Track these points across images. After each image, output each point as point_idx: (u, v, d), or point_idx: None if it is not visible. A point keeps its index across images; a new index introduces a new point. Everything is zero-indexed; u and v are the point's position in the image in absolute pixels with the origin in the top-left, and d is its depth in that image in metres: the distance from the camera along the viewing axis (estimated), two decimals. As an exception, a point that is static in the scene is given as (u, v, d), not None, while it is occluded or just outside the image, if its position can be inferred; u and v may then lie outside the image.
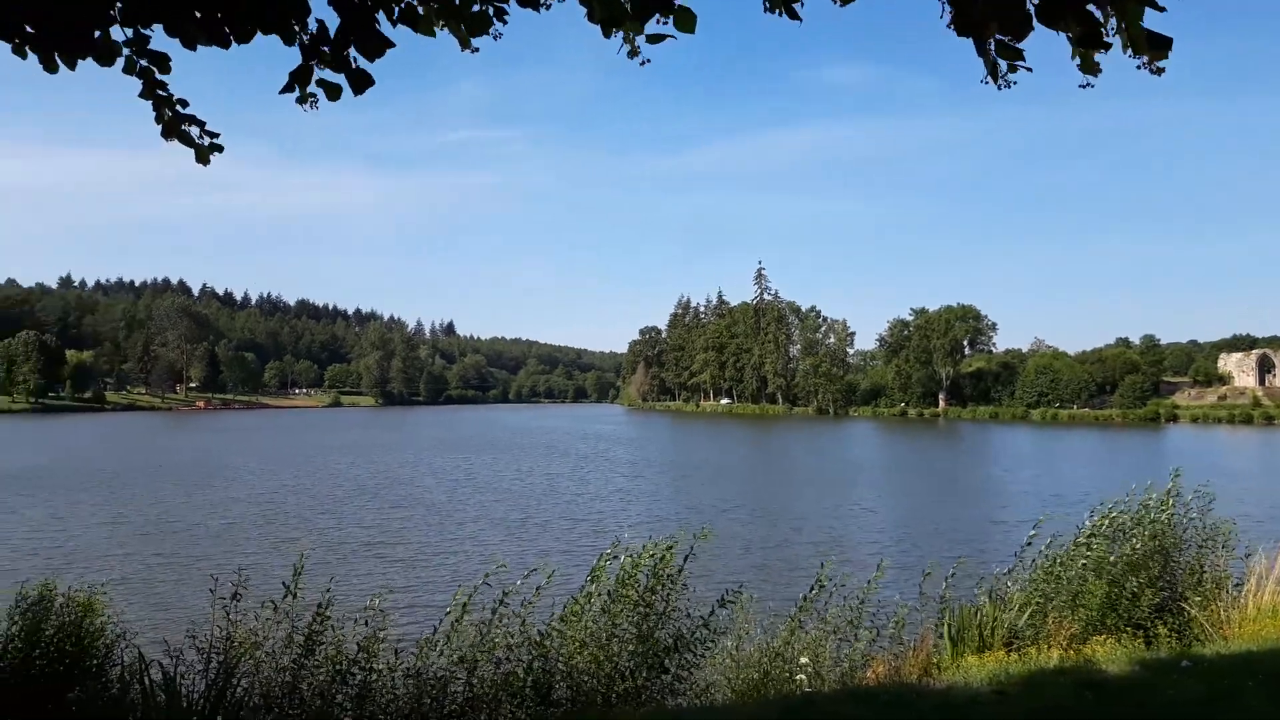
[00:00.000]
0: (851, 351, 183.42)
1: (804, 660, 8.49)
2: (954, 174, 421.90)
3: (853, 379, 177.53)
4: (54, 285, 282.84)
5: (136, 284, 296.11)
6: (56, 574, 10.19)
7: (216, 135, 4.10)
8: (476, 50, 3.90)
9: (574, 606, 8.45)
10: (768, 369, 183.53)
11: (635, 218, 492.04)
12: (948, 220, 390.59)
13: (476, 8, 3.68)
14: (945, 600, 10.33)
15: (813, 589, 9.35)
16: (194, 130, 4.02)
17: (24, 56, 3.54)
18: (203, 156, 4.10)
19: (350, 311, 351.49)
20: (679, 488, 43.71)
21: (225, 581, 7.99)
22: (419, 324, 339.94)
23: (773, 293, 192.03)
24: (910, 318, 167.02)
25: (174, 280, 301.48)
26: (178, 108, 3.96)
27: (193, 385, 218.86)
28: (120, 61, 3.70)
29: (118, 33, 3.59)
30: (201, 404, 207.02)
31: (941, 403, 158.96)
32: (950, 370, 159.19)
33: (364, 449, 72.17)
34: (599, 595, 8.55)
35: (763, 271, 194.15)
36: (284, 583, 8.28)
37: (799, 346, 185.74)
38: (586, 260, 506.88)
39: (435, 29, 3.74)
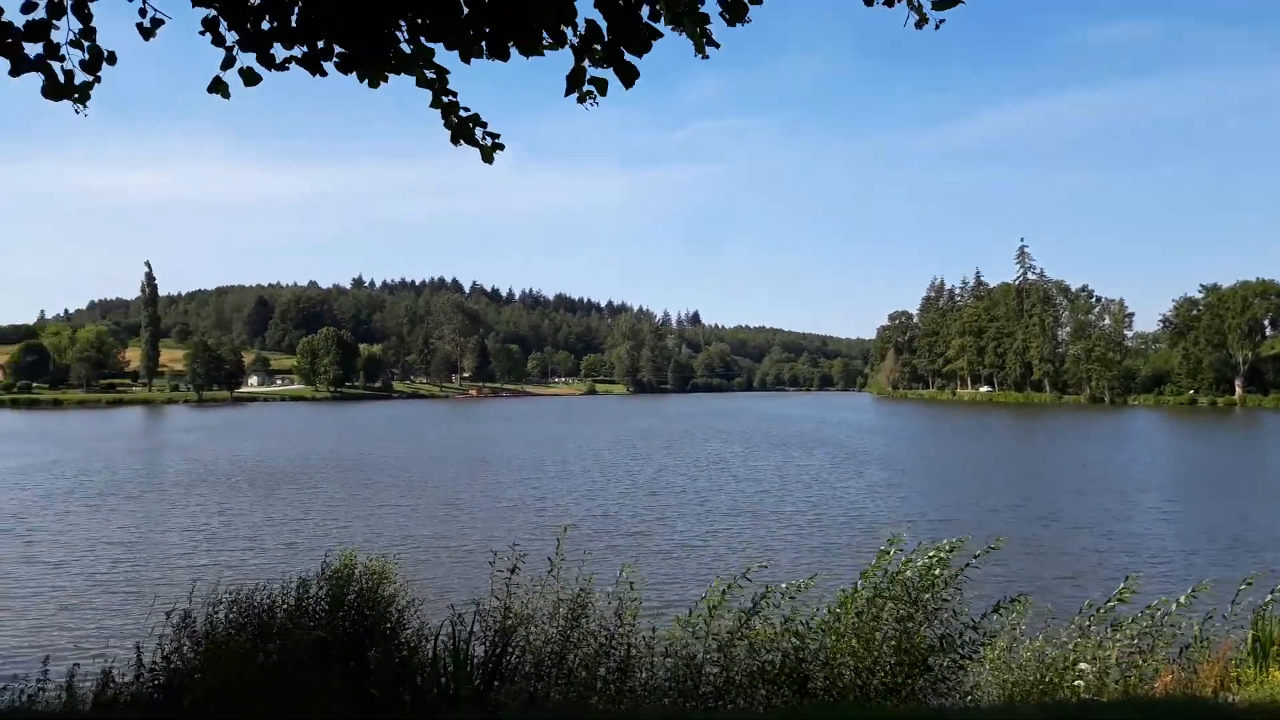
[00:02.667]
0: (1129, 334, 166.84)
1: (1083, 666, 7.85)
2: (1250, 133, 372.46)
3: (1131, 364, 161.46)
4: (348, 286, 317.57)
5: (417, 283, 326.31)
6: (356, 546, 11.37)
7: (497, 135, 4.40)
8: (714, 49, 3.96)
9: (842, 600, 8.33)
10: (1032, 354, 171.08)
11: (883, 199, 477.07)
12: (1242, 187, 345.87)
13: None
14: (1261, 610, 9.17)
15: (1109, 601, 8.65)
16: (478, 131, 4.34)
17: (323, 74, 3.95)
18: (487, 155, 4.41)
19: (603, 304, 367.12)
20: (941, 483, 41.70)
21: (502, 557, 8.58)
22: (666, 314, 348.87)
23: (1037, 272, 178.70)
24: (1200, 295, 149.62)
25: (448, 279, 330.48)
26: (463, 112, 4.28)
27: (466, 375, 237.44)
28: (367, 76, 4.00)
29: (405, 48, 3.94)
30: (474, 392, 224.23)
31: (1238, 389, 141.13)
32: (1248, 353, 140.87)
33: (620, 437, 74.94)
34: (865, 590, 8.37)
35: (1025, 250, 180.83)
36: (549, 558, 8.76)
37: (1068, 329, 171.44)
38: (832, 245, 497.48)
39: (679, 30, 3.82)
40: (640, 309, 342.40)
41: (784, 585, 8.59)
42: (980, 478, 43.21)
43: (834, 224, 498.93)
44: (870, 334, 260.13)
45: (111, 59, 4.04)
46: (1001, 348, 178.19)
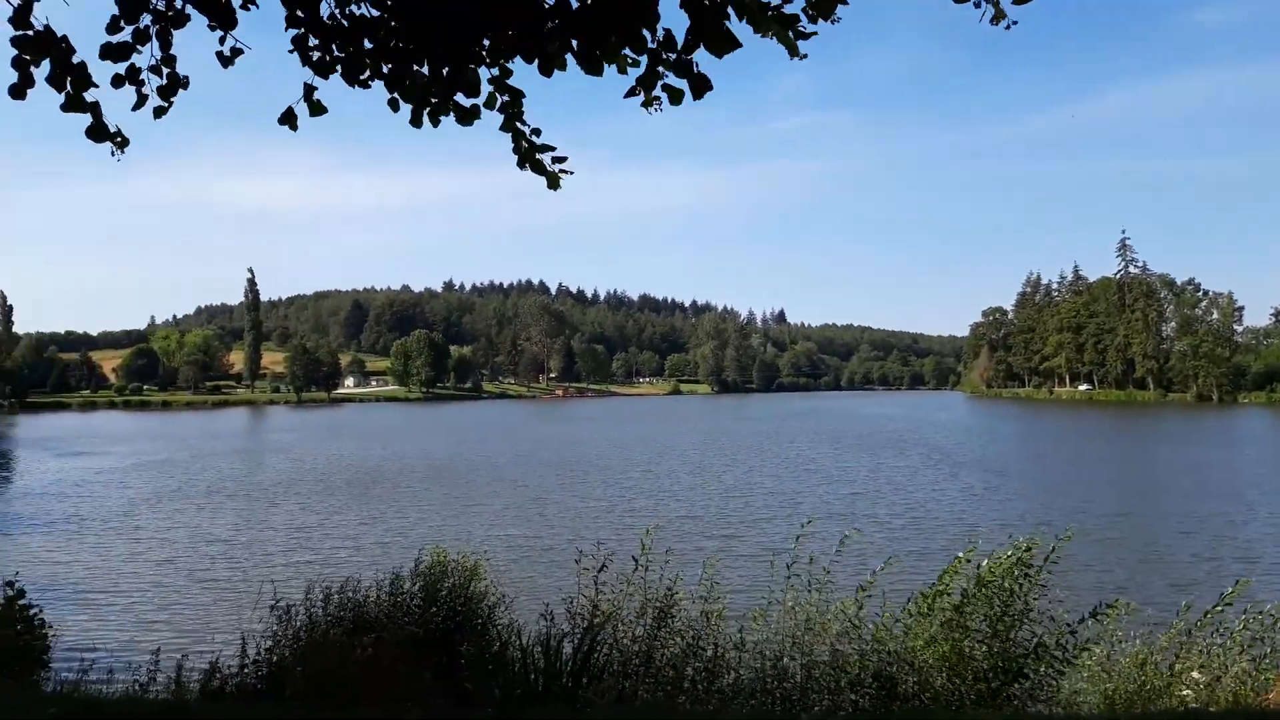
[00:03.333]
0: (1239, 328, 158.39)
1: (1195, 675, 7.49)
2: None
3: (1241, 360, 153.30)
4: (439, 289, 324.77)
5: (505, 285, 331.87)
6: (447, 543, 11.60)
7: (564, 160, 4.41)
8: (805, 56, 3.91)
9: (922, 602, 8.14)
10: (1135, 350, 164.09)
11: (972, 192, 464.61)
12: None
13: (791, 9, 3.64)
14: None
15: (1217, 605, 8.23)
16: (546, 158, 4.38)
17: (394, 109, 4.06)
18: (553, 182, 4.44)
19: (687, 304, 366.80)
20: (1042, 486, 40.19)
21: (589, 556, 8.64)
22: (750, 313, 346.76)
23: (1139, 265, 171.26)
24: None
25: (535, 281, 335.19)
26: (533, 138, 4.33)
27: (552, 375, 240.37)
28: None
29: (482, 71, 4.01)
30: (560, 392, 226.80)
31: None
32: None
33: (706, 438, 74.81)
34: (951, 592, 8.15)
35: (1127, 242, 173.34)
36: (634, 557, 8.78)
37: (1173, 325, 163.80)
38: (921, 240, 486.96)
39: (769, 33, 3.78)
40: (724, 308, 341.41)
41: (863, 585, 8.45)
42: (1083, 480, 41.60)
43: (924, 219, 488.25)
44: (962, 331, 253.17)
45: (185, 84, 4.19)
46: (1102, 344, 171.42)
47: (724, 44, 3.59)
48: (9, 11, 3.93)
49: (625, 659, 8.31)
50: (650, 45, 3.65)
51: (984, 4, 3.71)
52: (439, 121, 4.14)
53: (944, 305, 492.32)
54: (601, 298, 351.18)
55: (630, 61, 3.78)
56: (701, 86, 3.72)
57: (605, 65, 3.79)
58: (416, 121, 4.09)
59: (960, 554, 8.46)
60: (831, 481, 40.04)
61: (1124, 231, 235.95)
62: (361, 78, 3.96)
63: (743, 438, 70.69)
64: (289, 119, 4.17)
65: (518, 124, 4.26)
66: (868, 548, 23.18)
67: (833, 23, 3.79)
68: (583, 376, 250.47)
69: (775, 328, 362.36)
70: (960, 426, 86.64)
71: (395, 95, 4.04)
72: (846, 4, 3.72)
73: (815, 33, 3.84)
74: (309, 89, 4.08)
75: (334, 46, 3.93)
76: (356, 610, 9.54)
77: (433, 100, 4.06)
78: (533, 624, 8.76)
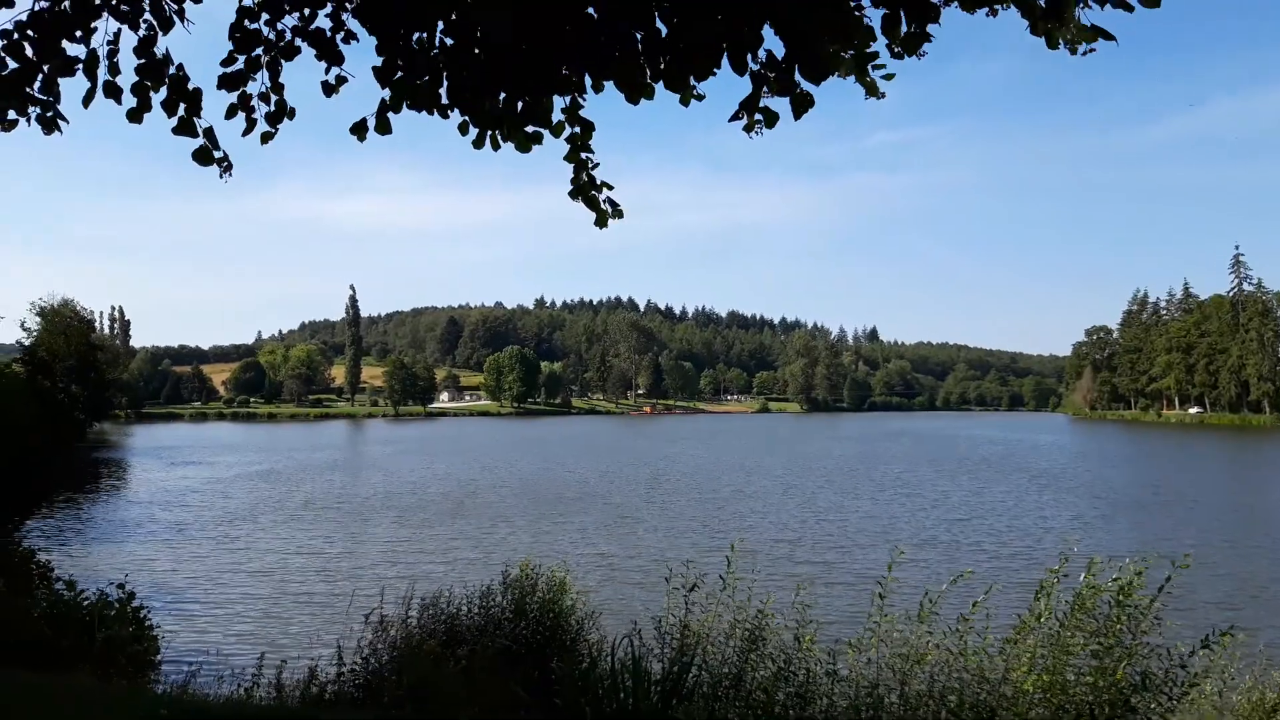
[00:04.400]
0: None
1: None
2: None
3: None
4: (530, 306, 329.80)
5: (594, 302, 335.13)
6: (536, 558, 11.67)
7: (618, 205, 4.44)
8: (884, 95, 3.88)
9: (1020, 629, 7.80)
10: (1249, 372, 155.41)
11: (1074, 206, 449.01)
12: None
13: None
14: None
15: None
16: (601, 195, 4.37)
17: (464, 132, 4.09)
18: (602, 220, 4.44)
19: (776, 320, 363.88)
20: (1155, 514, 38.03)
21: (679, 575, 8.56)
22: (841, 331, 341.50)
23: (1254, 282, 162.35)
24: None
25: (624, 298, 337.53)
26: (594, 172, 4.32)
27: (640, 392, 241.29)
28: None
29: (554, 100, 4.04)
30: (648, 409, 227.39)
31: None
32: None
33: (797, 457, 73.96)
34: (1048, 617, 7.79)
35: (1240, 258, 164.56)
36: (720, 575, 8.67)
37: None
38: (1020, 256, 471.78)
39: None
40: (815, 325, 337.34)
41: (964, 615, 8.14)
42: (1199, 508, 39.44)
43: (1023, 234, 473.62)
44: (1064, 350, 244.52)
45: (291, 114, 4.35)
46: (1214, 365, 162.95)
47: (821, 68, 3.53)
48: (134, 40, 4.14)
49: (715, 681, 8.18)
50: (753, 68, 3.62)
51: (1068, 42, 3.60)
52: (499, 146, 4.19)
53: (1044, 323, 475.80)
54: (690, 314, 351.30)
55: (696, 95, 3.80)
56: (804, 104, 3.66)
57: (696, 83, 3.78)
58: (479, 144, 4.14)
59: (1051, 569, 8.09)
60: (931, 506, 38.79)
61: (1237, 247, 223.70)
62: (441, 104, 4.03)
63: (836, 458, 69.47)
64: (359, 130, 4.26)
65: (582, 155, 4.28)
66: (971, 576, 22.39)
67: (919, 57, 3.70)
68: (670, 393, 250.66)
69: (867, 345, 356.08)
70: (1065, 450, 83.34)
71: (466, 119, 4.08)
72: (931, 41, 3.61)
73: (893, 75, 3.79)
74: (384, 106, 4.14)
75: (416, 75, 3.99)
76: (449, 622, 9.67)
77: (502, 128, 4.10)
78: (621, 642, 8.71)
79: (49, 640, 9.41)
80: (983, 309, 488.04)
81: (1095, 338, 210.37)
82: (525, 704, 7.79)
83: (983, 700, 7.50)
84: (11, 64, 3.93)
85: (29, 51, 3.93)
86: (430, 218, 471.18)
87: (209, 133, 4.26)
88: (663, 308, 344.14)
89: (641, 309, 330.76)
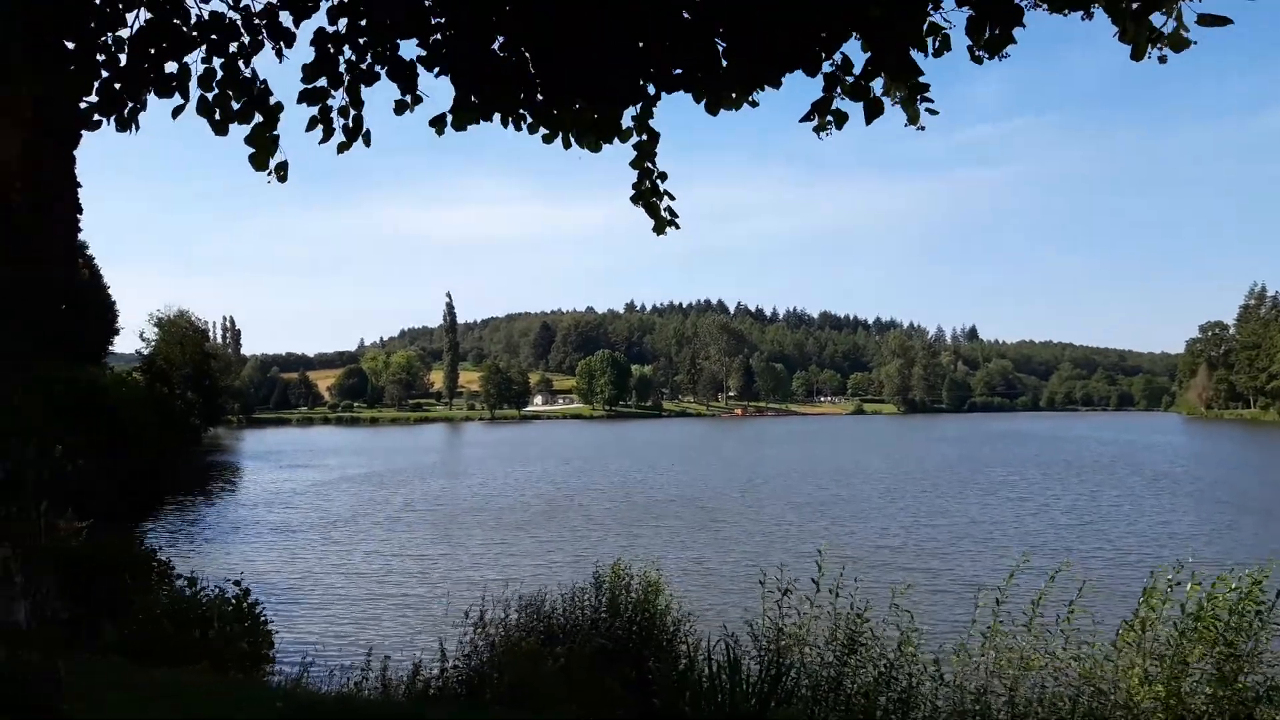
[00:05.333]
0: None
1: None
2: None
3: None
4: (620, 310, 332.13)
5: (684, 305, 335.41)
6: (630, 559, 11.71)
7: (677, 216, 4.49)
8: (923, 128, 3.83)
9: (1127, 634, 7.48)
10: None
11: (1185, 198, 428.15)
12: None
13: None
14: None
15: None
16: (661, 202, 4.38)
17: (533, 131, 4.15)
18: (660, 228, 4.47)
19: (870, 321, 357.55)
20: (1276, 520, 36.17)
21: (772, 576, 8.49)
22: (939, 330, 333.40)
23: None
24: None
25: (714, 300, 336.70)
26: (658, 180, 4.32)
27: (731, 394, 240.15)
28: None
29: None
30: (739, 411, 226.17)
31: None
32: None
33: (895, 459, 72.53)
34: (1160, 624, 7.46)
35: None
36: (813, 579, 8.56)
37: None
38: (1126, 251, 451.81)
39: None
40: (911, 324, 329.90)
41: (1067, 616, 7.85)
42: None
43: (1131, 227, 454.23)
44: (1176, 347, 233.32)
45: (368, 138, 4.47)
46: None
47: (906, 73, 3.49)
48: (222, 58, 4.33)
49: (814, 684, 8.10)
50: (825, 70, 3.59)
51: (1157, 50, 3.52)
52: (570, 145, 4.24)
53: (1154, 320, 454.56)
54: (780, 315, 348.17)
55: (751, 101, 3.78)
56: (874, 111, 3.67)
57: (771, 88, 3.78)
58: (549, 140, 4.19)
59: (1157, 571, 7.74)
60: (1039, 510, 37.26)
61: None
62: (514, 114, 4.10)
63: (936, 461, 67.69)
64: (438, 123, 4.33)
65: (647, 163, 4.31)
66: (1085, 584, 21.55)
67: (1000, 59, 3.63)
68: (762, 395, 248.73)
69: (966, 345, 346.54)
70: (1181, 451, 79.32)
71: (537, 125, 4.15)
72: (1015, 44, 3.53)
73: (938, 112, 3.77)
74: (459, 103, 4.20)
75: (490, 87, 4.05)
76: (546, 621, 9.81)
77: (573, 130, 4.15)
78: (717, 643, 8.70)
79: (171, 635, 9.90)
80: (1088, 305, 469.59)
81: (1211, 334, 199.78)
82: (624, 703, 7.84)
83: (1095, 710, 7.23)
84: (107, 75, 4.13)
85: (125, 63, 4.13)
86: (524, 226, 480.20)
87: (274, 140, 4.41)
88: (753, 309, 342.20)
89: (731, 311, 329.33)
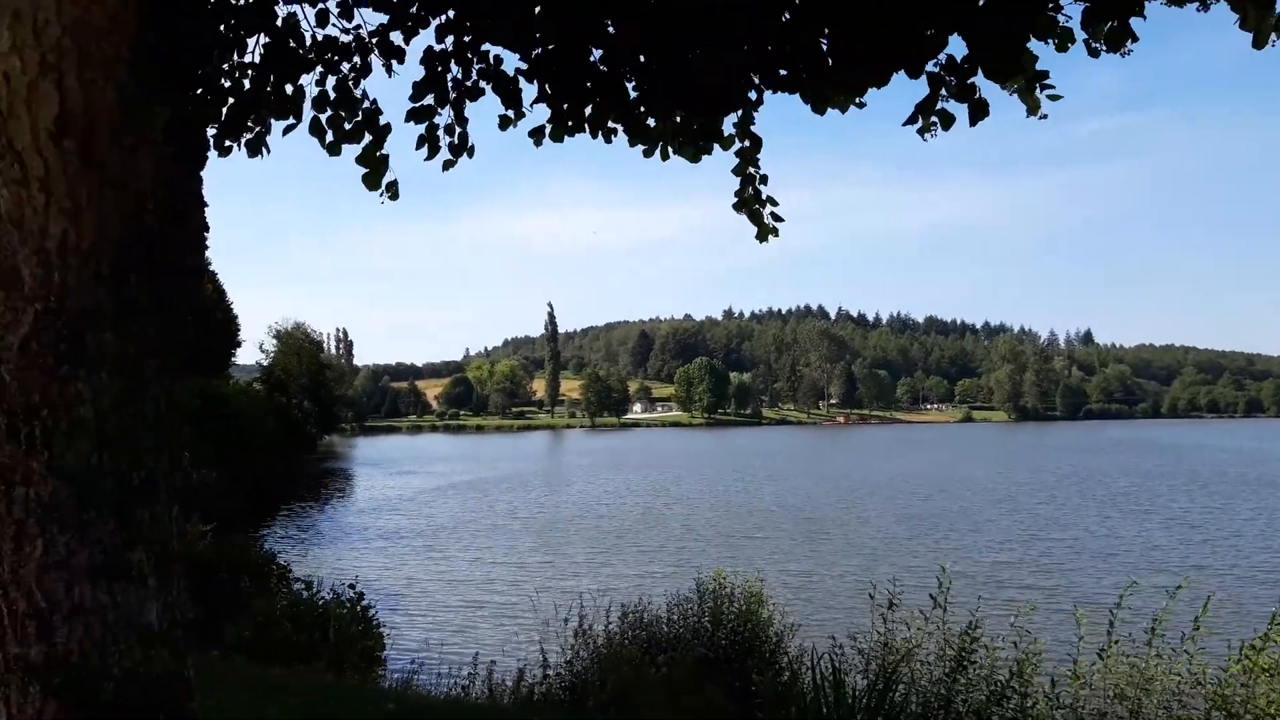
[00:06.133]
0: None
1: None
2: None
3: None
4: (719, 317, 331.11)
5: (783, 311, 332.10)
6: (732, 569, 11.63)
7: (781, 220, 4.43)
8: (1045, 116, 3.70)
9: (1253, 655, 7.04)
10: None
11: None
12: None
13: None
14: None
15: None
16: (765, 210, 4.32)
17: (633, 144, 4.14)
18: (763, 235, 4.41)
19: (978, 325, 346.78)
20: None
21: (881, 588, 8.31)
22: (1052, 334, 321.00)
23: None
24: None
25: (813, 305, 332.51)
26: (760, 186, 4.26)
27: (833, 401, 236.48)
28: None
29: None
30: (842, 419, 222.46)
31: None
32: None
33: (1006, 468, 70.18)
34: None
35: None
36: (930, 594, 8.33)
37: None
38: (1254, 249, 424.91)
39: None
40: (1021, 328, 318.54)
41: (1193, 637, 7.43)
42: None
43: (1257, 224, 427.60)
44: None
45: (471, 151, 4.58)
46: None
47: (1009, 70, 3.36)
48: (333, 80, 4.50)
49: (923, 701, 7.88)
50: (929, 69, 3.49)
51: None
52: (669, 156, 4.24)
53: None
54: (884, 320, 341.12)
55: (858, 103, 3.72)
56: (980, 112, 3.54)
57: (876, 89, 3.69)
58: (649, 153, 4.19)
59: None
60: (1165, 524, 35.28)
61: None
62: (606, 127, 4.11)
63: (1052, 471, 64.89)
64: (536, 135, 4.39)
65: (750, 169, 4.25)
66: (1210, 600, 20.36)
67: (1123, 55, 3.46)
68: (865, 402, 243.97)
69: (1081, 349, 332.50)
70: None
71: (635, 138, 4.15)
72: (1137, 40, 3.36)
73: (1060, 96, 3.63)
74: (556, 114, 4.25)
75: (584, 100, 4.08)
76: (648, 630, 9.83)
77: (673, 142, 4.14)
78: (821, 656, 8.57)
79: (290, 636, 10.31)
80: (1212, 306, 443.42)
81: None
82: (726, 713, 7.79)
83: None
84: (233, 101, 4.35)
85: (248, 88, 4.33)
86: (623, 235, 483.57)
87: (384, 159, 4.56)
88: (854, 315, 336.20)
89: (832, 317, 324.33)
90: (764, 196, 4.36)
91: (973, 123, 3.60)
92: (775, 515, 38.06)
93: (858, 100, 3.75)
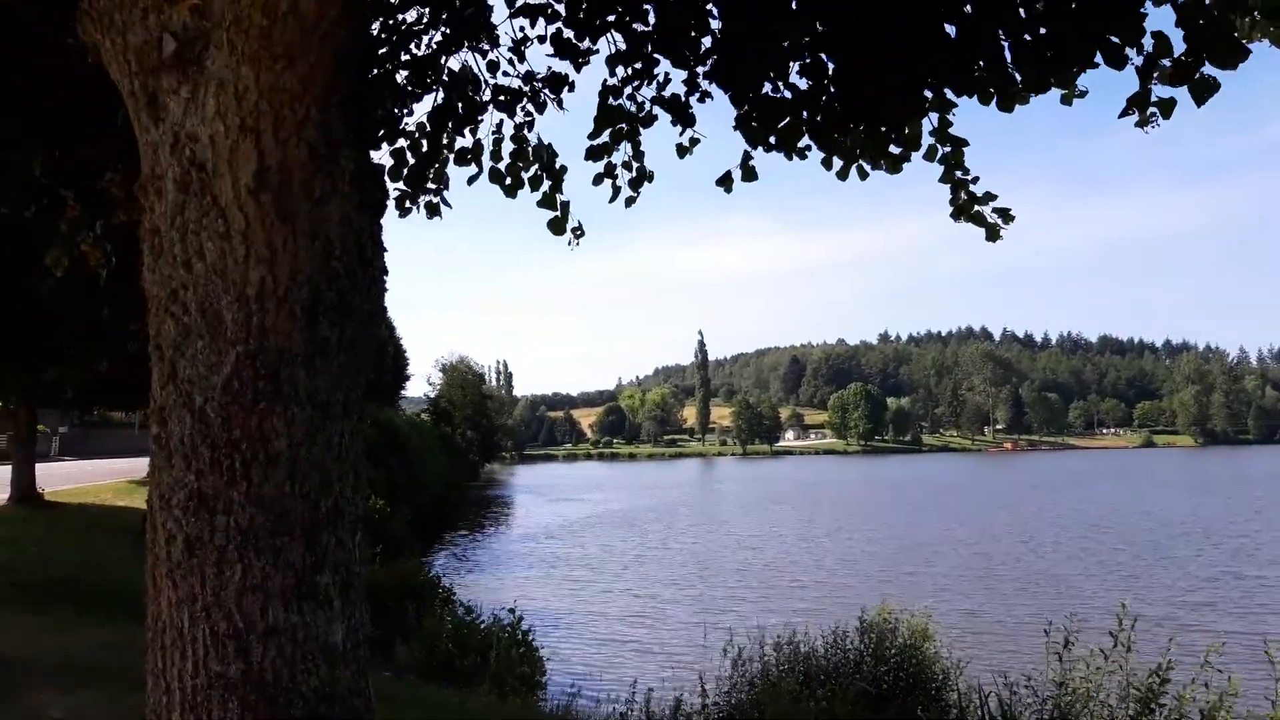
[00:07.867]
0: None
1: None
2: None
3: None
4: (874, 341, 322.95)
5: (943, 334, 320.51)
6: (895, 602, 11.26)
7: (1008, 210, 4.22)
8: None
9: None
10: None
11: None
12: None
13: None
14: None
15: None
16: (986, 209, 4.14)
17: (828, 168, 4.08)
18: (993, 234, 4.22)
19: (1158, 344, 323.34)
20: None
21: (1057, 626, 7.89)
22: (1242, 351, 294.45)
23: None
24: None
25: (976, 327, 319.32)
26: (972, 188, 4.10)
27: (999, 427, 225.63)
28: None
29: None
30: (1009, 445, 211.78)
31: None
32: None
33: (1201, 499, 64.94)
34: None
35: None
36: (1110, 632, 7.84)
37: None
38: None
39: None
40: (1207, 346, 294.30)
41: None
42: None
43: None
44: None
45: (650, 178, 4.67)
46: None
47: (1232, 54, 3.10)
48: (511, 128, 4.71)
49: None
50: (1135, 62, 3.27)
51: None
52: (867, 175, 4.15)
53: None
54: (1053, 341, 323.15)
55: (1078, 93, 3.52)
56: (1206, 90, 3.26)
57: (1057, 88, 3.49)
58: (844, 175, 4.11)
59: None
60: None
61: None
62: (799, 146, 4.06)
63: (1250, 501, 59.14)
64: (725, 181, 4.44)
65: (957, 174, 4.11)
66: None
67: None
68: (1033, 428, 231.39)
69: (1275, 367, 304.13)
70: None
71: (829, 155, 4.09)
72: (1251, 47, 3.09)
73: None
74: (746, 156, 4.28)
75: (772, 121, 4.07)
76: (805, 662, 9.63)
77: (866, 154, 4.05)
78: (989, 694, 8.18)
79: (455, 657, 10.69)
80: None
81: None
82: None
83: None
84: (412, 159, 4.63)
85: (426, 147, 4.60)
86: (771, 260, 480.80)
87: (565, 205, 4.72)
88: (1020, 335, 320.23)
89: (996, 338, 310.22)
90: (980, 195, 4.21)
91: (1199, 103, 3.34)
92: (940, 549, 36.48)
93: (1078, 90, 3.56)
